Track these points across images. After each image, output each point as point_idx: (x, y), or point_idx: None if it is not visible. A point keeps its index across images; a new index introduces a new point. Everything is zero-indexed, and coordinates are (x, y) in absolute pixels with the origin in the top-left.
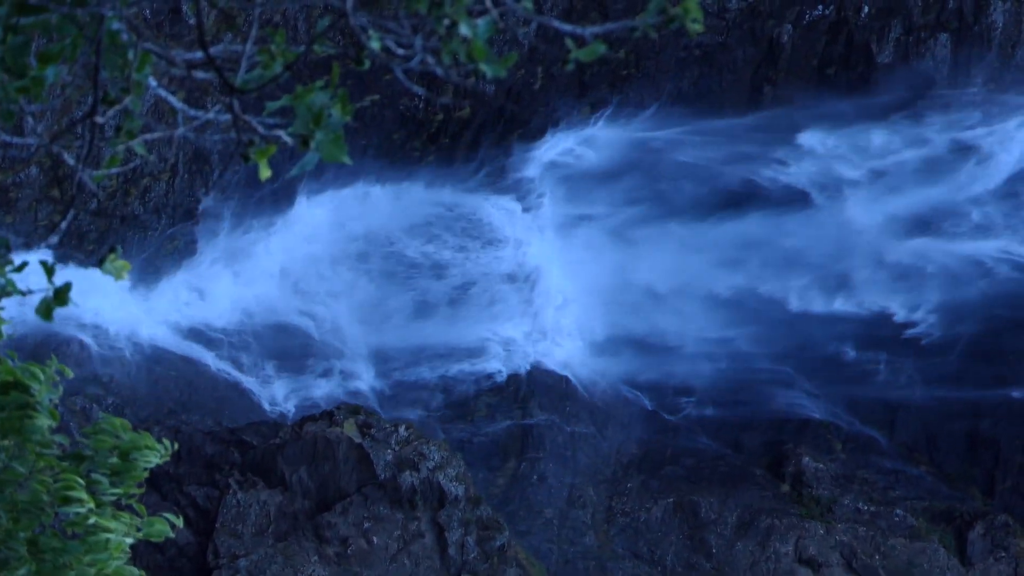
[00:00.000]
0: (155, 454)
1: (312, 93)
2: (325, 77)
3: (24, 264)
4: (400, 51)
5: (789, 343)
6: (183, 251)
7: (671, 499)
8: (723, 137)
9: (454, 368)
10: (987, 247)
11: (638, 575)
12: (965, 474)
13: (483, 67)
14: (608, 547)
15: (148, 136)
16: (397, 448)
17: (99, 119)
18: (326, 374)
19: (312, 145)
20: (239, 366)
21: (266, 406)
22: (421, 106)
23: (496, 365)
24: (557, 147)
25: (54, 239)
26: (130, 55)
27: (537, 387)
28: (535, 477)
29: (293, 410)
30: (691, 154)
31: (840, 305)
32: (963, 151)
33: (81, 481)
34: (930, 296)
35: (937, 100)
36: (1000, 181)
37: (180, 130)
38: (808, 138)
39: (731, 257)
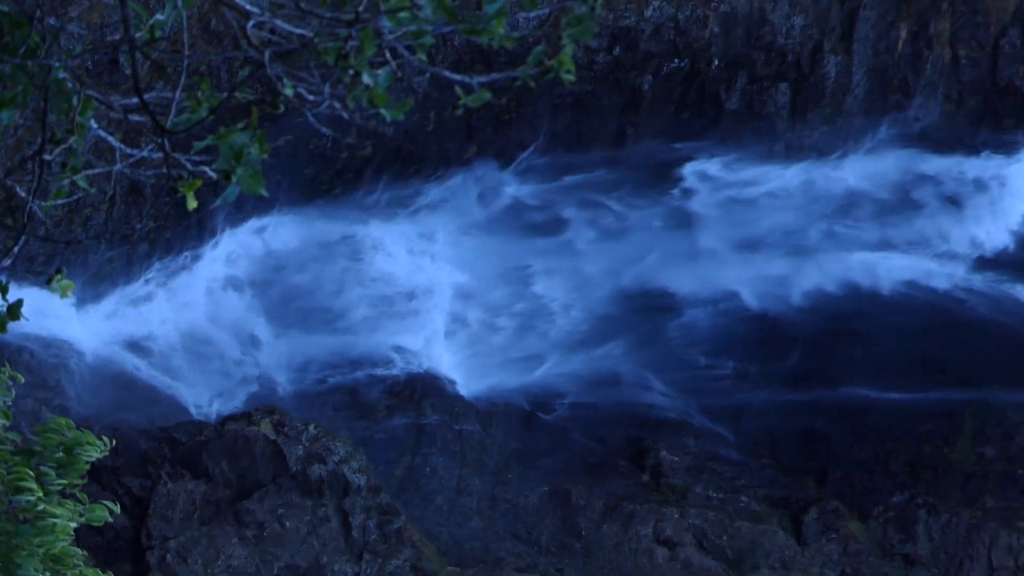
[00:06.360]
0: (96, 449)
1: (233, 134)
2: (245, 120)
3: None
4: (311, 97)
5: (651, 352)
6: (120, 272)
7: (546, 487)
8: (594, 171)
9: (358, 374)
10: (815, 264)
11: (518, 553)
12: (801, 466)
13: (383, 111)
14: (492, 529)
15: (90, 171)
16: (307, 444)
17: (47, 157)
18: (245, 380)
19: (233, 179)
20: (170, 373)
21: (192, 408)
22: (329, 145)
23: (395, 371)
24: (448, 181)
25: (7, 262)
26: (74, 101)
27: (430, 390)
28: (428, 469)
29: (216, 411)
30: (566, 186)
31: (692, 319)
32: (803, 183)
33: (31, 473)
34: (771, 310)
35: (778, 141)
36: (834, 207)
37: (118, 166)
38: (666, 173)
39: (604, 272)
